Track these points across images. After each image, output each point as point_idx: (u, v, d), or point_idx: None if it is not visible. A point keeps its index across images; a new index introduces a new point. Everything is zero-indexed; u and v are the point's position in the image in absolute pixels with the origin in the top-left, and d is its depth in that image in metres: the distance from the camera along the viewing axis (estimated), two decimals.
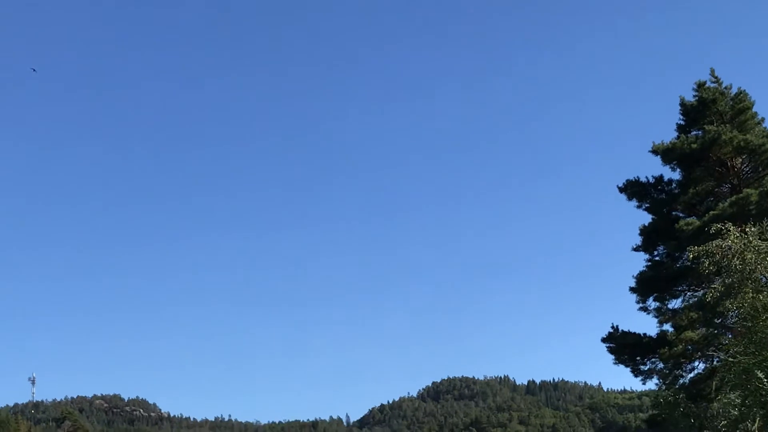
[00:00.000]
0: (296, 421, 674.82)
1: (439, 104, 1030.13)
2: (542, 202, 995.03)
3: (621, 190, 56.44)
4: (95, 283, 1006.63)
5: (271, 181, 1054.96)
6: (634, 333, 55.49)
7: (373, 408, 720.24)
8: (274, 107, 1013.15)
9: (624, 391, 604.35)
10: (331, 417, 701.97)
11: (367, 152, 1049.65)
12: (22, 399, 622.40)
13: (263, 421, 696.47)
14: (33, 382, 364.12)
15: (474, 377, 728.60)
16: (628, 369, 55.19)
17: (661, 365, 54.16)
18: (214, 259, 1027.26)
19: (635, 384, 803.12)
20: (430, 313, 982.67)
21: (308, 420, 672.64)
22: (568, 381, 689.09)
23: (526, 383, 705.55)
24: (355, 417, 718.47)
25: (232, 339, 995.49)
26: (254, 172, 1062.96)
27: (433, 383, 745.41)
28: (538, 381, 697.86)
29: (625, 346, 54.70)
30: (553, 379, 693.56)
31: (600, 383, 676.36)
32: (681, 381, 54.38)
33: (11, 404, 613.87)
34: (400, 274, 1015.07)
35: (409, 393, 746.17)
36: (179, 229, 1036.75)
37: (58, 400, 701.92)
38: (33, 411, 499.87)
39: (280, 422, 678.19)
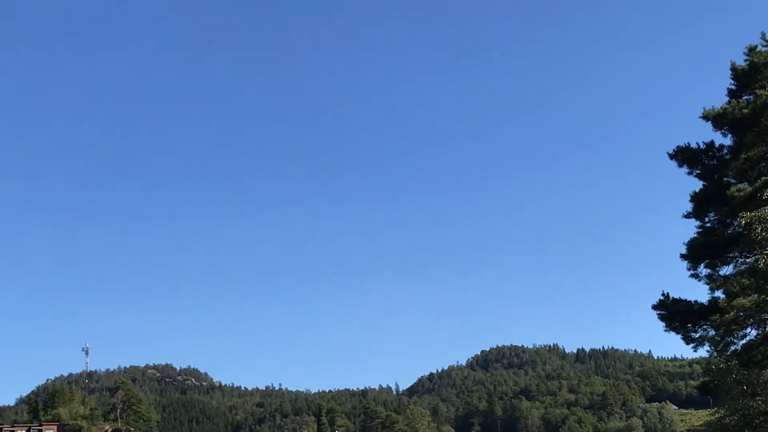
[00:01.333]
0: (346, 389, 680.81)
1: (487, 74, 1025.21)
2: (592, 170, 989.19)
3: (671, 156, 55.92)
4: (148, 256, 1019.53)
5: (324, 160, 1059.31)
6: (686, 300, 55.15)
7: (422, 377, 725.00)
8: None
9: (674, 359, 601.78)
10: (380, 385, 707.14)
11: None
12: (76, 369, 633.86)
13: (313, 390, 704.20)
14: (87, 353, 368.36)
15: (523, 346, 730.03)
16: (680, 336, 54.88)
17: (712, 332, 53.83)
18: (262, 233, 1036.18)
19: (686, 351, 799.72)
20: (478, 283, 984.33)
21: (358, 389, 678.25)
22: (617, 349, 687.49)
23: (575, 351, 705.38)
24: (404, 386, 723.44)
25: (282, 309, 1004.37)
26: (305, 152, 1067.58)
27: (482, 352, 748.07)
28: (587, 349, 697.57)
29: (676, 314, 54.38)
30: (603, 347, 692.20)
31: (650, 351, 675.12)
32: (732, 348, 54.08)
33: (66, 374, 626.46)
34: (449, 245, 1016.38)
35: (458, 362, 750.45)
36: (231, 205, 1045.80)
37: (112, 370, 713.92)
38: (87, 381, 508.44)
39: (330, 391, 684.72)
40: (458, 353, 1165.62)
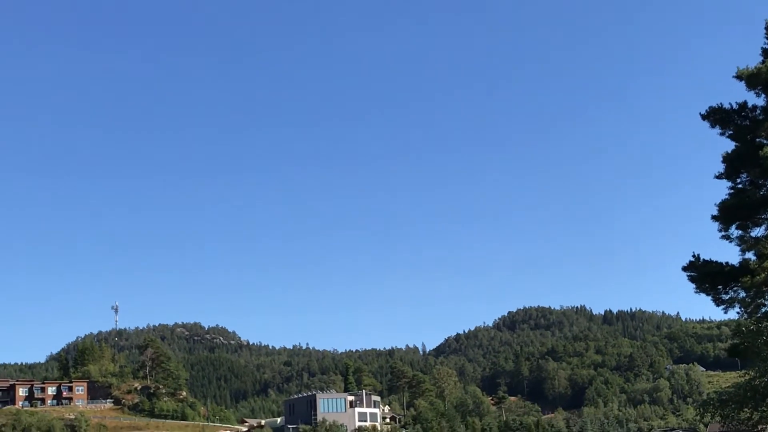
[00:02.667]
0: (373, 349, 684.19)
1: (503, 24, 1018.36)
2: (622, 130, 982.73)
3: (704, 117, 55.18)
4: (176, 215, 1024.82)
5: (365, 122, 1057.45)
6: (716, 262, 54.67)
7: (448, 337, 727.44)
8: None
9: (702, 321, 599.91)
10: (407, 345, 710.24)
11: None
12: (106, 327, 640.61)
13: (340, 350, 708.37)
14: (116, 311, 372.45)
15: (550, 307, 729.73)
16: (710, 298, 54.46)
17: (742, 294, 53.39)
18: (291, 191, 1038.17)
19: (714, 313, 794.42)
20: (506, 243, 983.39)
21: (384, 348, 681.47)
22: (645, 311, 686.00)
23: (602, 313, 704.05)
24: (431, 346, 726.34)
25: (309, 269, 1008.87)
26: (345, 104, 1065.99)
27: (509, 313, 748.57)
28: (615, 311, 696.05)
29: (706, 275, 53.93)
30: (631, 309, 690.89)
31: (678, 313, 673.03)
32: (763, 309, 53.60)
33: (95, 332, 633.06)
34: (476, 204, 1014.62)
35: (484, 322, 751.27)
36: (254, 161, 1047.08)
37: (141, 328, 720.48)
38: (116, 338, 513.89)
39: (356, 350, 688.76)
40: (485, 314, 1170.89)
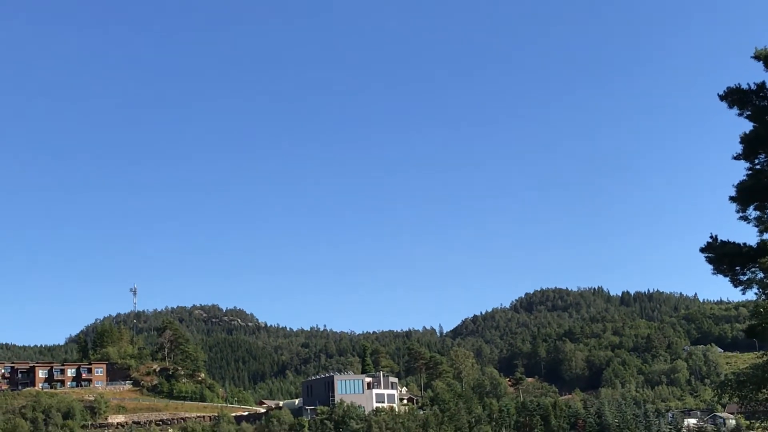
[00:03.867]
0: (390, 331, 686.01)
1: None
2: (638, 109, 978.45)
3: (722, 97, 54.86)
4: (195, 196, 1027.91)
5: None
6: (734, 242, 54.48)
7: (465, 318, 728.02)
8: None
9: (720, 302, 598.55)
10: (424, 327, 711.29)
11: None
12: (125, 309, 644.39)
13: (357, 331, 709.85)
14: (134, 293, 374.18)
15: (567, 288, 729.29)
16: (727, 279, 54.29)
17: (761, 275, 53.18)
18: (304, 171, 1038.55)
19: (732, 295, 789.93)
20: (522, 224, 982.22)
21: (402, 330, 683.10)
22: (663, 292, 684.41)
23: (620, 294, 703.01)
24: (448, 327, 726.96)
25: (327, 251, 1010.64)
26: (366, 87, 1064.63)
27: (526, 294, 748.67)
28: (632, 292, 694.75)
29: (724, 256, 53.75)
30: (648, 290, 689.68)
31: (696, 294, 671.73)
32: None
33: (114, 314, 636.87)
34: (493, 186, 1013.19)
35: (501, 304, 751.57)
36: (274, 141, 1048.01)
37: (159, 310, 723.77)
38: (135, 321, 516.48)
39: (374, 332, 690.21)
40: (502, 295, 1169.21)
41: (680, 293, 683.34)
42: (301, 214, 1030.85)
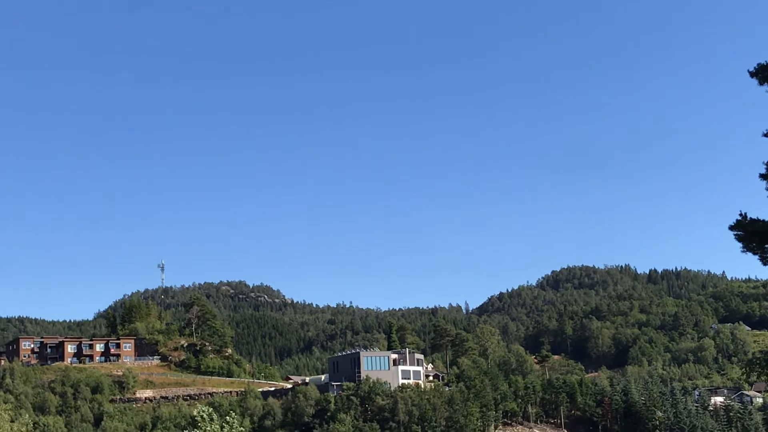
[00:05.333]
0: (416, 308, 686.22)
1: None
2: (668, 86, 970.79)
3: (752, 74, 54.22)
4: (222, 172, 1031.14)
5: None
6: (763, 220, 53.95)
7: (492, 296, 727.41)
8: None
9: (748, 280, 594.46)
10: (450, 304, 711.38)
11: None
12: (153, 285, 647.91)
13: (383, 308, 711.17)
14: (162, 269, 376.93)
15: (594, 266, 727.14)
16: (756, 257, 53.79)
17: None
18: (340, 148, 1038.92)
19: (760, 272, 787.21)
20: (548, 201, 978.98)
21: (428, 307, 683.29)
22: (690, 270, 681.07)
23: (647, 272, 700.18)
24: (474, 305, 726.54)
25: (353, 227, 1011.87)
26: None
27: (553, 272, 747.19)
28: (660, 270, 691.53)
29: (753, 234, 53.21)
30: (676, 268, 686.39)
31: (724, 272, 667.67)
32: None
33: (142, 290, 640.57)
34: (518, 164, 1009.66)
35: (528, 281, 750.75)
36: (303, 117, 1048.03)
37: (186, 286, 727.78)
38: (163, 296, 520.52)
39: (400, 309, 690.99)
40: (528, 273, 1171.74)
41: (708, 271, 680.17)
42: (327, 192, 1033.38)
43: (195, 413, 56.86)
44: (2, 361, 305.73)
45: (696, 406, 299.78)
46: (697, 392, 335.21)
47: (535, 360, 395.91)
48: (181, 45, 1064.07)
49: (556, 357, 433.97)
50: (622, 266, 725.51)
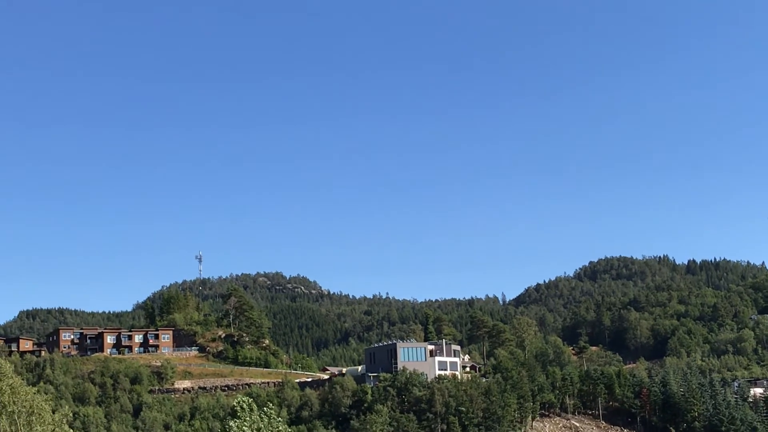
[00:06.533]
0: (452, 299, 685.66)
1: None
2: (705, 75, 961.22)
3: None
4: (260, 166, 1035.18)
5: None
6: None
7: (529, 287, 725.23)
8: None
9: None
10: (487, 295, 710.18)
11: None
12: (190, 276, 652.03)
13: (420, 299, 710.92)
14: (200, 260, 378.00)
15: (632, 257, 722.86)
16: None
17: None
18: (378, 143, 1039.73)
19: None
20: (586, 191, 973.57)
21: (464, 298, 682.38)
22: (729, 260, 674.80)
23: (686, 263, 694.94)
24: (511, 296, 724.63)
25: (390, 219, 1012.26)
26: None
27: (590, 263, 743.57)
28: (698, 260, 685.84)
29: None
30: (715, 259, 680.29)
31: (763, 263, 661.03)
32: None
33: (180, 281, 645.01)
34: (556, 154, 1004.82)
35: (565, 272, 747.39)
36: (340, 113, 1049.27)
37: (224, 277, 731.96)
38: (200, 287, 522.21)
39: (436, 300, 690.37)
40: (566, 264, 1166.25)
41: (747, 262, 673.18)
42: (364, 185, 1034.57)
43: (235, 403, 57.15)
44: (43, 352, 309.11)
45: (735, 398, 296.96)
46: (736, 383, 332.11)
47: (573, 351, 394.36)
48: (243, 49, 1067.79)
49: (593, 348, 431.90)
50: (660, 257, 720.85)
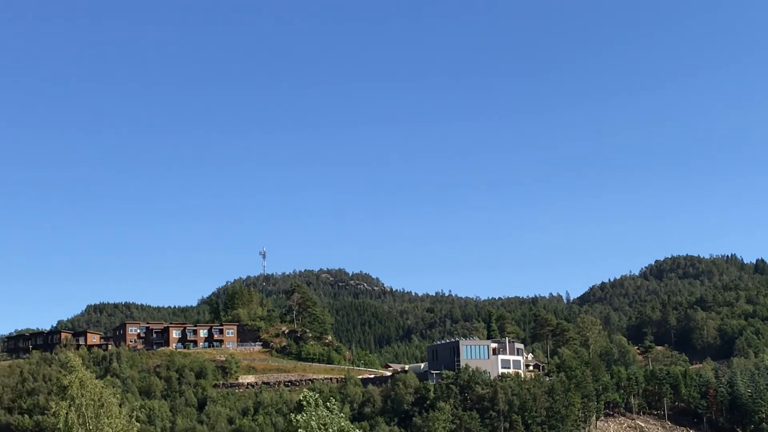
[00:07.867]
0: (516, 297, 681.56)
1: None
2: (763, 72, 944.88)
3: None
4: (323, 165, 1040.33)
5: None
6: None
7: (593, 286, 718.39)
8: None
9: None
10: (551, 294, 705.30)
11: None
12: (254, 272, 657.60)
13: (483, 297, 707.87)
14: (264, 256, 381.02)
15: (699, 255, 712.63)
16: None
17: None
18: (433, 144, 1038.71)
19: None
20: (653, 190, 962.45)
21: (528, 296, 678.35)
22: None
23: (754, 262, 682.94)
24: (575, 294, 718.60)
25: (454, 216, 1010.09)
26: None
27: (656, 261, 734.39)
28: (767, 260, 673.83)
29: None
30: None
31: None
32: None
33: (244, 277, 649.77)
34: (622, 153, 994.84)
35: (630, 271, 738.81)
36: (392, 114, 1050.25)
37: (287, 273, 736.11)
38: (264, 283, 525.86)
39: (499, 298, 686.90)
40: (631, 262, 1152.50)
41: None
42: (429, 182, 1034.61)
43: (300, 398, 57.17)
44: (110, 346, 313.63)
45: None
46: None
47: (638, 351, 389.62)
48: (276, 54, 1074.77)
49: (659, 348, 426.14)
50: (728, 256, 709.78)
